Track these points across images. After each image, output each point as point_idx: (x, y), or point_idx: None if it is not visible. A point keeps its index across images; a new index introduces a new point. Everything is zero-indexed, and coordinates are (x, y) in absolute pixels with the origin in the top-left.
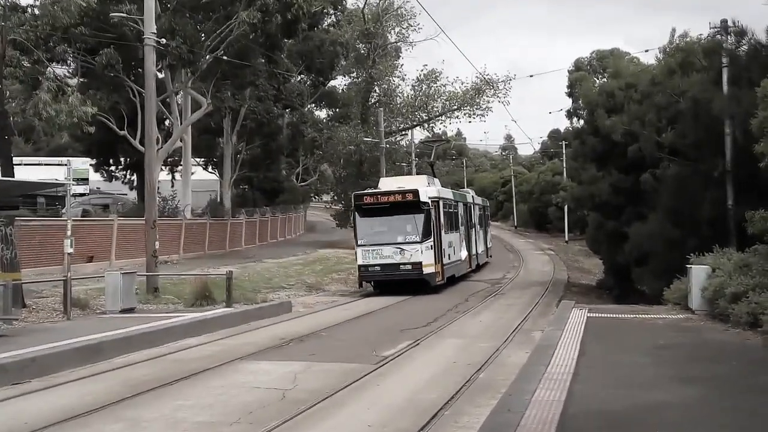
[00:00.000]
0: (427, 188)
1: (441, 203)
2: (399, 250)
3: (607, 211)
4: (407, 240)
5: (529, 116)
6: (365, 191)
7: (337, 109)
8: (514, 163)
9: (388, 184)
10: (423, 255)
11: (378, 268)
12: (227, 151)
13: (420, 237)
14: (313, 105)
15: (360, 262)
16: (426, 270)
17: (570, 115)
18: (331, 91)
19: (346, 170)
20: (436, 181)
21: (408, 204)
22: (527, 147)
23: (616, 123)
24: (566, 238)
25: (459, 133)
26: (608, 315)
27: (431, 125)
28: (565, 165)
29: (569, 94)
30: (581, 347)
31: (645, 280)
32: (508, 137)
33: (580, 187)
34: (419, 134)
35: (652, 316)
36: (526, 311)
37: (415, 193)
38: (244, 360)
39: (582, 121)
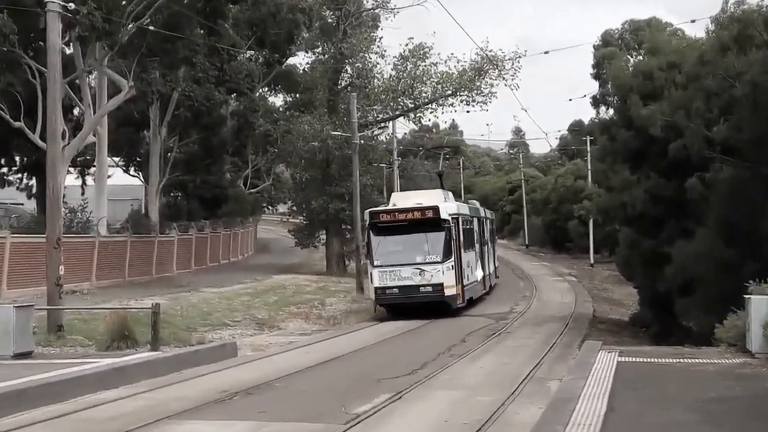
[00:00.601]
0: (446, 204)
1: (460, 220)
2: (419, 270)
3: (643, 225)
4: (427, 260)
5: (545, 104)
6: (381, 208)
7: (298, 95)
8: (525, 164)
9: (401, 199)
10: (444, 276)
11: (396, 290)
12: (155, 149)
13: (441, 257)
14: (267, 89)
15: (376, 284)
16: (447, 292)
17: (596, 102)
18: (289, 72)
19: (308, 173)
20: (450, 195)
21: (427, 221)
22: (542, 144)
23: (654, 113)
24: (591, 261)
25: (454, 126)
26: (644, 359)
27: (418, 115)
28: (590, 166)
29: (595, 76)
30: (610, 401)
31: (691, 314)
32: (517, 131)
33: (609, 194)
34: (403, 127)
35: (700, 360)
36: (539, 355)
37: (436, 210)
38: (174, 419)
39: (612, 111)
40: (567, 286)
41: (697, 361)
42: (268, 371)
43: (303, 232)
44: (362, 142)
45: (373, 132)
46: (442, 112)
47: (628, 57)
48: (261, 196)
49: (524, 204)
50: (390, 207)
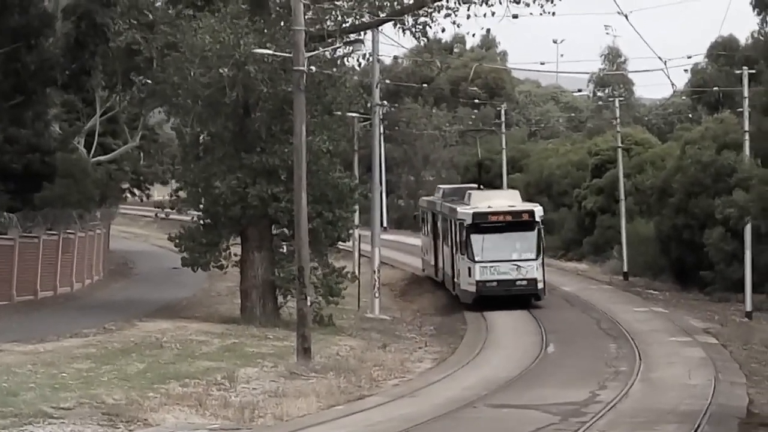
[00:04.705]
0: (539, 208)
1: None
2: (516, 266)
3: None
4: (523, 257)
5: (663, 6)
6: (484, 210)
7: None
8: (624, 119)
9: (483, 200)
10: (537, 272)
11: (495, 283)
12: None
13: (534, 254)
14: None
15: (477, 278)
16: (539, 285)
17: (763, 4)
18: None
19: (209, 127)
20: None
21: (523, 223)
22: (656, 80)
23: None
24: (748, 307)
25: (489, 43)
26: None
27: (422, 21)
28: (747, 125)
29: None
30: None
31: None
32: (612, 56)
33: None
34: (392, 45)
35: None
36: None
37: (531, 213)
38: None
39: None
40: (700, 353)
41: None
42: None
43: (197, 241)
44: (314, 69)
45: (335, 52)
46: (469, 16)
47: None
48: (119, 170)
49: (622, 195)
50: (489, 209)
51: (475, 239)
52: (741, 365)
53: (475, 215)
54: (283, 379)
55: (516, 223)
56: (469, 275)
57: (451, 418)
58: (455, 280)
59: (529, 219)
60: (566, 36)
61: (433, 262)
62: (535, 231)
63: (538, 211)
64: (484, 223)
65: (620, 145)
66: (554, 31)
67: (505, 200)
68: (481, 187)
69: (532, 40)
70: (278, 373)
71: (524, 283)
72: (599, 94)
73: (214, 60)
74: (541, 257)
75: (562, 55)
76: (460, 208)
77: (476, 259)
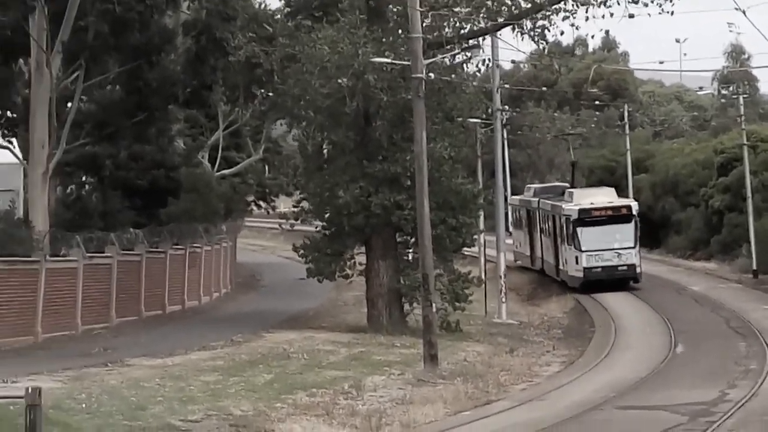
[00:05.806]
0: (635, 203)
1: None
2: (617, 254)
3: None
4: (623, 246)
5: None
6: (589, 206)
7: None
8: (750, 116)
9: (585, 197)
10: (635, 258)
11: (599, 269)
12: (40, 95)
13: (633, 243)
14: None
15: (584, 265)
16: (637, 270)
17: None
18: None
19: (330, 137)
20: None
21: (622, 216)
22: None
23: None
24: None
25: (609, 44)
26: None
27: (537, 26)
28: None
29: None
30: None
31: None
32: (736, 53)
33: None
34: (510, 49)
35: None
36: None
37: (629, 207)
38: None
39: None
40: None
41: None
42: None
43: (322, 251)
44: (433, 76)
45: (454, 59)
46: (587, 18)
47: None
48: (243, 183)
49: (749, 193)
50: (592, 206)
51: (581, 231)
52: None
53: (581, 211)
54: (410, 386)
55: (616, 216)
56: (576, 263)
57: (579, 421)
58: (560, 267)
59: (627, 213)
60: (689, 34)
61: (528, 253)
62: (632, 223)
63: (635, 205)
64: (588, 218)
65: (746, 142)
66: (676, 29)
67: (603, 197)
68: (574, 186)
69: (653, 41)
70: (405, 380)
71: (624, 268)
72: (723, 91)
73: (334, 70)
74: (638, 246)
75: (685, 54)
76: (565, 205)
77: (583, 249)
